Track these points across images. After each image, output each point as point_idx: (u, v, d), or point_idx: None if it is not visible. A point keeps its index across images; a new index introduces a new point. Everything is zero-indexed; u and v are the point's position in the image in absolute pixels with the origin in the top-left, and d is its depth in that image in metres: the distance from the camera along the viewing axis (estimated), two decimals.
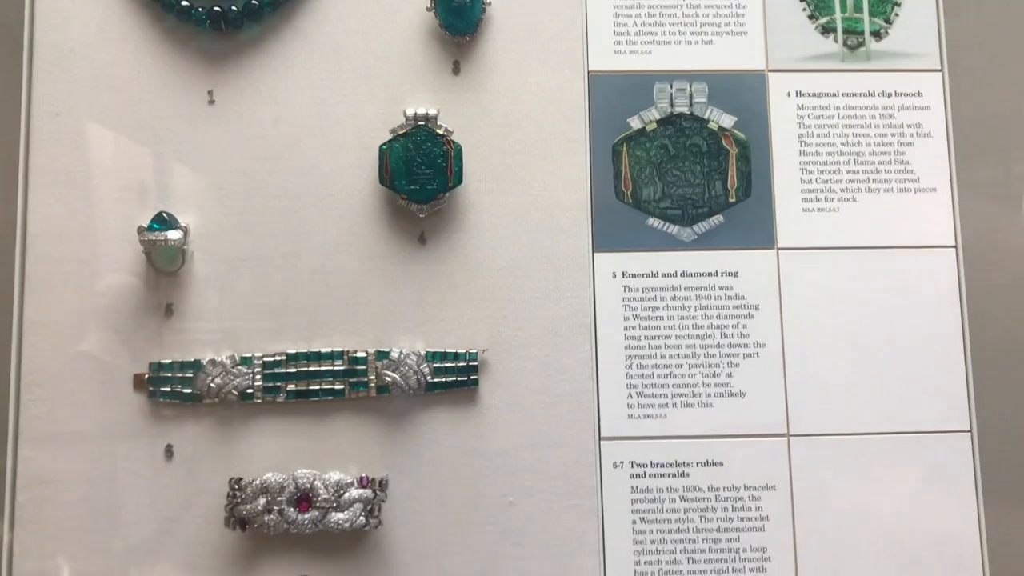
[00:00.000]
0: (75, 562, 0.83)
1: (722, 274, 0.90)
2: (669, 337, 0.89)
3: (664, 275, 0.89)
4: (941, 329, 0.89)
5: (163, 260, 0.86)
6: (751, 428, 0.87)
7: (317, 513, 0.80)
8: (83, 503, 0.83)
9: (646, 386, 0.88)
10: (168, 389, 0.85)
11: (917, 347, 0.89)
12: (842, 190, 0.91)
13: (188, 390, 0.85)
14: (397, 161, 0.86)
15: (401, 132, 0.87)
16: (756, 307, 0.89)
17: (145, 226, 0.85)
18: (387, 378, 0.85)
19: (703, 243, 0.90)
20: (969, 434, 0.88)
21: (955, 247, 0.91)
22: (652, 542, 0.86)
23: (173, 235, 0.84)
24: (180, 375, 0.85)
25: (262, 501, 0.79)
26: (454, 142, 0.87)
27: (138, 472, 0.84)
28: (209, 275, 0.87)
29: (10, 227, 0.86)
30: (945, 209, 0.92)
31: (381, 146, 0.86)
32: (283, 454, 0.85)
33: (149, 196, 0.87)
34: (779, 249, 0.90)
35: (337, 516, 0.80)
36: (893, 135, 0.92)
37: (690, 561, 0.86)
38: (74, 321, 0.85)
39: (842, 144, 0.92)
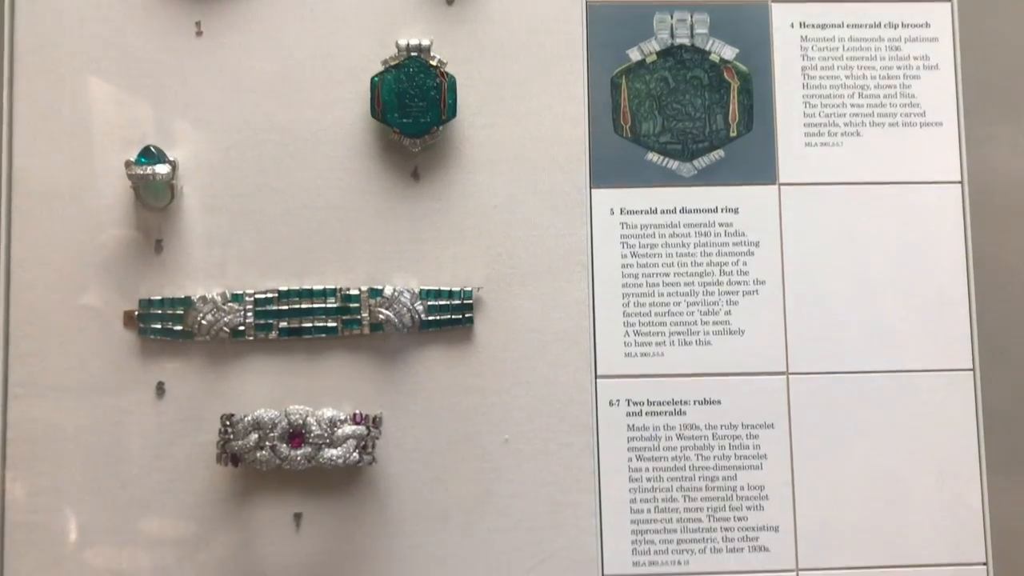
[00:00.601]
0: (66, 498, 0.82)
1: (722, 210, 0.88)
2: (667, 275, 0.87)
3: (663, 211, 0.88)
4: (945, 266, 0.88)
5: (151, 195, 0.84)
6: (750, 366, 0.86)
7: (310, 449, 0.79)
8: (74, 440, 0.83)
9: (643, 324, 0.86)
10: (159, 326, 0.84)
11: (920, 284, 0.87)
12: (846, 124, 0.89)
13: (179, 327, 0.84)
14: (389, 93, 0.84)
15: (393, 63, 0.84)
16: (756, 244, 0.87)
17: (132, 160, 0.83)
18: (381, 316, 0.84)
19: (703, 178, 0.88)
20: (972, 372, 0.87)
21: (961, 183, 0.89)
22: (648, 480, 0.85)
23: (161, 169, 0.83)
24: (171, 312, 0.84)
25: (254, 437, 0.79)
26: (448, 74, 0.84)
27: (129, 409, 0.83)
28: (198, 211, 0.85)
29: None
30: (951, 144, 0.89)
31: (372, 78, 0.84)
32: (276, 392, 0.84)
33: (136, 129, 0.85)
34: (781, 185, 0.88)
35: (330, 452, 0.79)
36: (899, 68, 0.90)
37: (686, 499, 0.85)
38: (62, 257, 0.84)
39: (847, 77, 0.89)
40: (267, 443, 0.79)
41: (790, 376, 0.86)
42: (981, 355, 0.87)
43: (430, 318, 0.85)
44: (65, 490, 0.82)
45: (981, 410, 0.86)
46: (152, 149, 0.84)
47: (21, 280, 0.84)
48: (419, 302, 0.84)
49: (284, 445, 0.79)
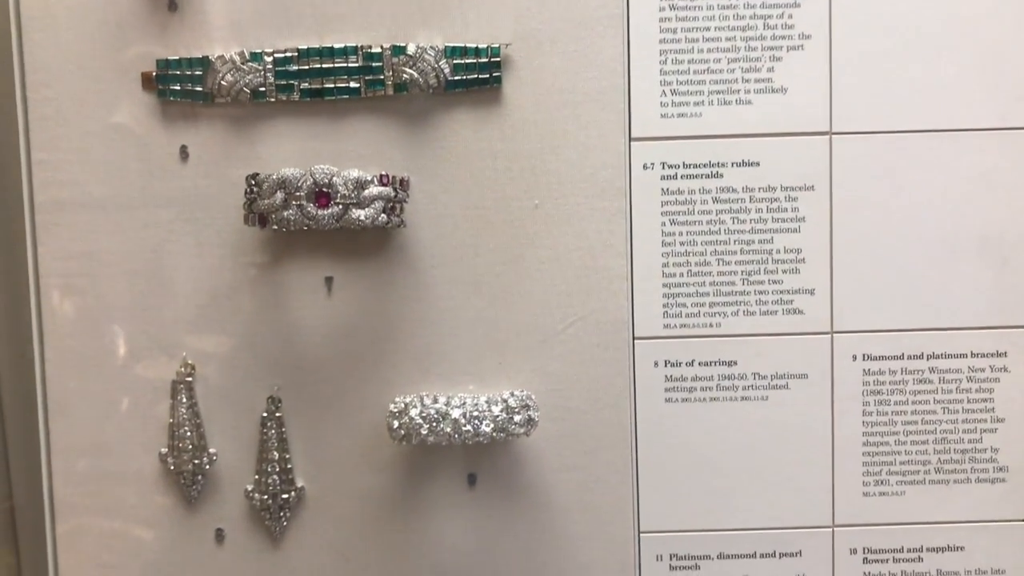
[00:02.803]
0: (92, 259, 0.83)
1: None
2: (708, 29, 0.82)
3: None
4: (1007, 18, 0.81)
5: None
6: (791, 126, 0.82)
7: (337, 209, 0.78)
8: (99, 204, 0.82)
9: (681, 83, 0.82)
10: (178, 88, 0.81)
11: (978, 37, 0.81)
12: None
13: (199, 88, 0.81)
14: None
15: None
16: None
17: None
18: (404, 75, 0.80)
19: None
20: None
21: None
22: (681, 244, 0.83)
23: None
24: (189, 73, 0.81)
25: (280, 196, 0.77)
26: None
27: (153, 172, 0.82)
28: None
29: None
30: None
31: None
32: (300, 155, 0.82)
33: None
34: None
35: (358, 212, 0.78)
36: None
37: (720, 263, 0.83)
38: (75, 16, 0.81)
39: None
40: (294, 202, 0.77)
41: (833, 136, 0.82)
42: None
43: (456, 78, 0.81)
44: (93, 251, 0.82)
45: None
46: None
47: (34, 41, 0.81)
48: (444, 60, 0.80)
49: (311, 205, 0.77)
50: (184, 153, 0.82)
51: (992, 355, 0.84)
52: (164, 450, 0.84)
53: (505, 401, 0.80)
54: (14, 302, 0.87)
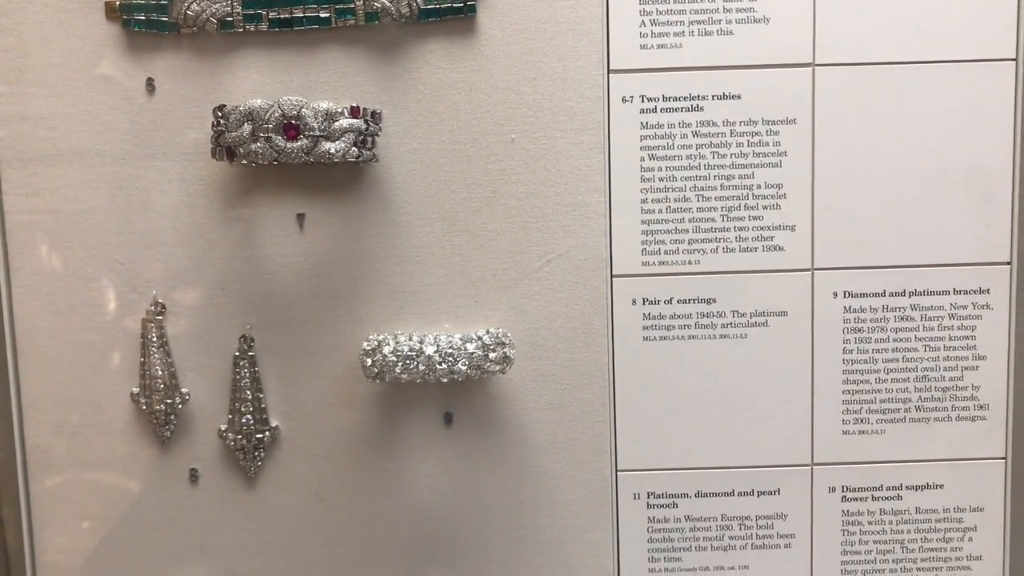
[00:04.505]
0: (58, 195, 0.81)
1: None
2: None
3: None
4: None
5: None
6: (774, 57, 0.80)
7: (307, 142, 0.76)
8: (64, 138, 0.80)
9: (661, 12, 0.80)
10: (143, 17, 0.79)
11: None
12: None
13: (164, 18, 0.79)
14: None
15: None
16: None
17: None
18: (376, 4, 0.78)
19: None
20: (1014, 62, 0.80)
21: None
22: (661, 179, 0.82)
23: None
24: (154, 2, 0.78)
25: (248, 128, 0.75)
26: None
27: (118, 106, 0.80)
28: None
29: None
30: None
31: None
32: (269, 87, 0.80)
33: None
34: None
35: (328, 145, 0.76)
36: None
37: (700, 199, 0.82)
38: None
39: None
40: (261, 135, 0.75)
41: (816, 68, 0.80)
42: None
43: (429, 6, 0.78)
44: (56, 188, 0.81)
45: (1020, 103, 0.80)
46: None
47: None
48: None
49: (280, 137, 0.75)
50: (151, 86, 0.80)
51: (975, 292, 0.83)
52: (136, 390, 0.83)
53: (480, 339, 0.79)
54: None
